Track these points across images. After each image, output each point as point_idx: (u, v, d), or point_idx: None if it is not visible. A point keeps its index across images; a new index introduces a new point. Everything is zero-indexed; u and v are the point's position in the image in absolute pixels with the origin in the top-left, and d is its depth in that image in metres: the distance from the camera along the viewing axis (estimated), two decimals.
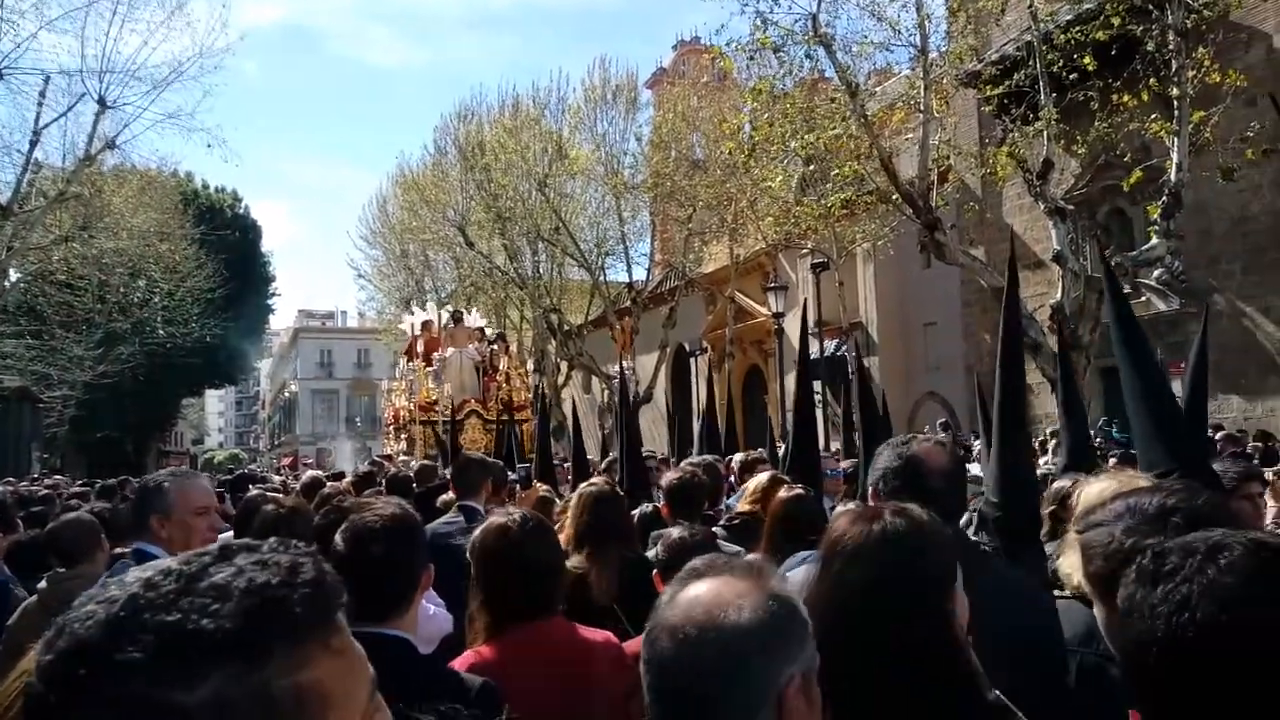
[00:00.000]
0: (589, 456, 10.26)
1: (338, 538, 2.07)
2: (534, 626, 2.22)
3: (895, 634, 1.54)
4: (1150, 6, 11.85)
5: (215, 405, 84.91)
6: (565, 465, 8.97)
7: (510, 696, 1.95)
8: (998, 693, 1.59)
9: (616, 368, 23.35)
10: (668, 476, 3.80)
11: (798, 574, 2.06)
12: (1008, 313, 3.25)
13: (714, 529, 3.90)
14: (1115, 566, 1.47)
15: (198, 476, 2.75)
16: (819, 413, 18.50)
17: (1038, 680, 1.86)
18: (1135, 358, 2.99)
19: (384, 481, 7.26)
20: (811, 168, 15.16)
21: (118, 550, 3.86)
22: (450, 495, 6.10)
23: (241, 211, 40.62)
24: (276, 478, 15.62)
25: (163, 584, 0.73)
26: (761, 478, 3.85)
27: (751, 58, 13.51)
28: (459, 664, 2.16)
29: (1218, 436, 10.87)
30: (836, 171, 13.85)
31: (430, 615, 2.84)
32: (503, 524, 2.30)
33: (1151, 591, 0.98)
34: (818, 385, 21.44)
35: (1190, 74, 11.68)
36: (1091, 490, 2.31)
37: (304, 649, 0.73)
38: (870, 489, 2.25)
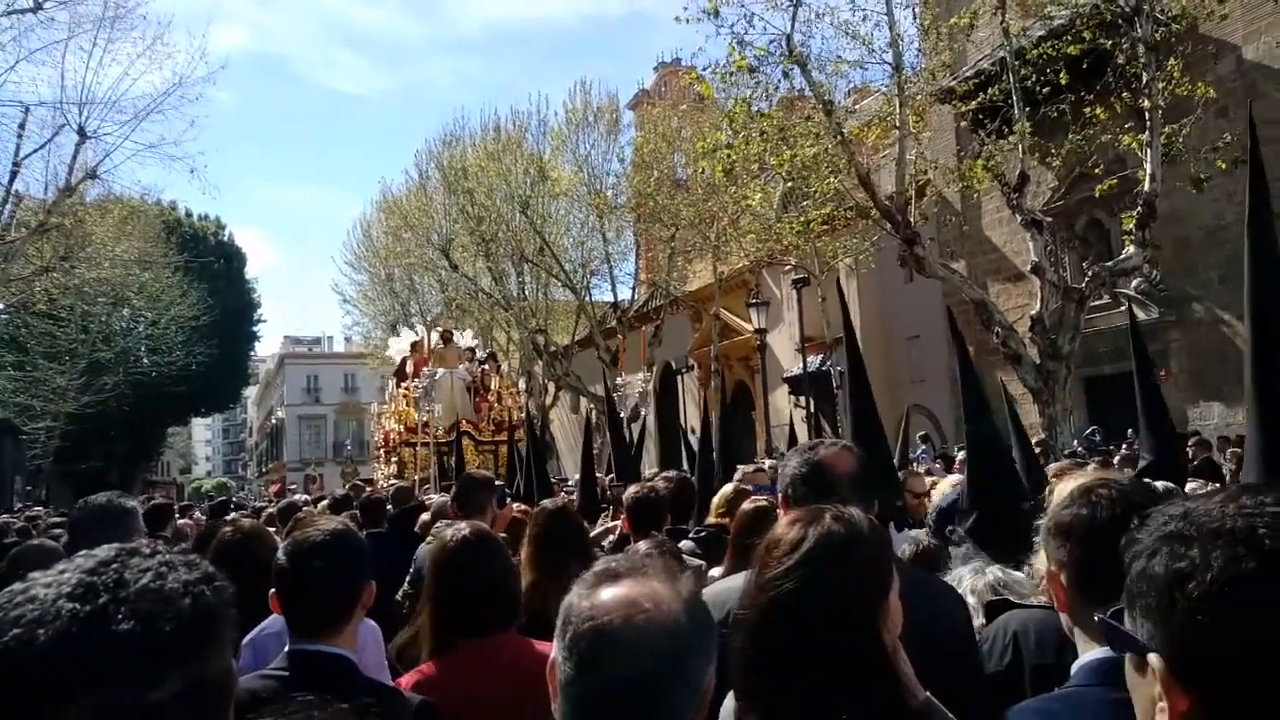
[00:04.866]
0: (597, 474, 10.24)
1: (279, 554, 2.06)
2: (480, 643, 2.19)
3: (823, 636, 1.53)
4: (1120, 21, 12.00)
5: (202, 434, 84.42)
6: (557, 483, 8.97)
7: (452, 714, 1.93)
8: (928, 694, 1.58)
9: (603, 388, 23.32)
10: (628, 492, 3.78)
11: (730, 579, 2.05)
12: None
13: (682, 542, 3.90)
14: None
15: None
16: (802, 427, 18.51)
17: (958, 677, 1.87)
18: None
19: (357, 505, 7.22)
20: (790, 184, 15.23)
21: None
22: (427, 517, 6.07)
23: (225, 239, 40.58)
24: (259, 504, 15.51)
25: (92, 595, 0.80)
26: (727, 489, 3.84)
27: (728, 80, 13.57)
28: (403, 682, 2.14)
29: (1190, 443, 11.00)
30: (815, 188, 13.91)
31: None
32: (444, 541, 2.29)
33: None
34: (799, 399, 21.48)
35: (1161, 86, 11.80)
36: (1063, 487, 2.33)
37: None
38: (780, 495, 2.25)
